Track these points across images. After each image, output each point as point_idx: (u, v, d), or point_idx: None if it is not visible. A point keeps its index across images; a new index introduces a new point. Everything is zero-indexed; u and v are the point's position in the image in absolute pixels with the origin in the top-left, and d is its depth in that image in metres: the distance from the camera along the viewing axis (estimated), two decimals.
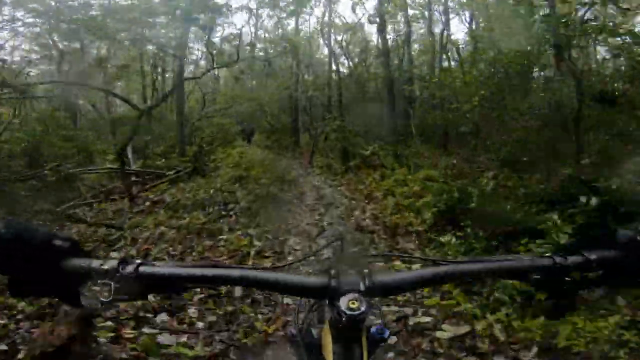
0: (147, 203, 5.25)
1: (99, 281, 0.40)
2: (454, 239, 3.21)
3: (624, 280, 0.50)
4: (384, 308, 2.05)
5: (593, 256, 0.46)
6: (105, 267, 0.41)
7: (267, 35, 15.84)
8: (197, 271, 0.44)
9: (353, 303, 0.40)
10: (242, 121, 13.22)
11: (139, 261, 0.43)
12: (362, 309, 0.40)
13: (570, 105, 4.90)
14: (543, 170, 4.66)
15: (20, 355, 1.53)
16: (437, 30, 12.07)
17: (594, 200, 2.70)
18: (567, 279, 0.46)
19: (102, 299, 0.40)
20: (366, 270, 0.44)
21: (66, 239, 0.43)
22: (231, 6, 10.17)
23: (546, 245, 2.39)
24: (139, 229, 4.05)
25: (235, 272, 0.45)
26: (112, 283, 0.40)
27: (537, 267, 0.47)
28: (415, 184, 5.43)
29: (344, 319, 0.40)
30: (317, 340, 0.51)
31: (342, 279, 0.43)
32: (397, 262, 2.48)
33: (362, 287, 0.41)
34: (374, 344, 0.52)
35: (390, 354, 1.81)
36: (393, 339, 1.25)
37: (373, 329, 0.53)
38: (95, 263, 0.42)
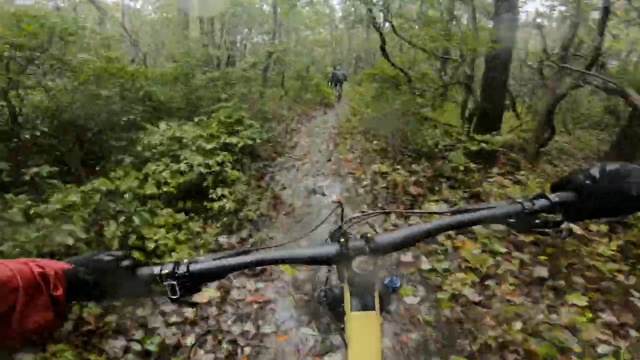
0: None
1: (164, 283, 0.51)
2: None
3: (579, 216, 0.57)
4: None
5: (555, 199, 0.56)
6: (165, 271, 0.52)
7: None
8: (233, 260, 0.55)
9: (363, 264, 0.50)
10: None
11: (187, 261, 0.54)
12: (371, 267, 0.50)
13: None
14: None
15: None
16: None
17: None
18: (536, 220, 0.55)
19: (171, 297, 0.52)
20: (369, 234, 0.54)
21: (127, 257, 0.54)
22: None
23: None
24: None
25: (264, 255, 0.55)
26: (174, 283, 0.51)
27: (511, 213, 0.56)
28: None
29: (356, 278, 0.51)
30: (340, 296, 0.60)
31: (350, 244, 0.53)
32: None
33: (367, 250, 0.52)
34: (387, 293, 0.60)
35: None
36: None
37: (386, 280, 0.60)
38: (156, 269, 0.53)
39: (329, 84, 13.54)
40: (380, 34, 8.29)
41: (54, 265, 0.50)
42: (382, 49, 8.24)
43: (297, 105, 10.62)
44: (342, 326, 0.59)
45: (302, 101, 11.53)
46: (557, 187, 0.59)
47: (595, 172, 0.54)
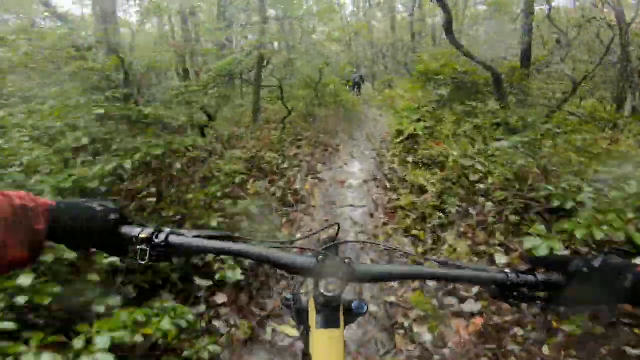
0: None
1: (137, 247, 0.52)
2: None
3: (565, 303, 0.58)
4: None
5: (542, 278, 0.55)
6: (144, 235, 0.52)
7: None
8: (212, 243, 0.54)
9: (331, 286, 0.50)
10: None
11: (169, 230, 0.54)
12: (337, 292, 0.50)
13: None
14: None
15: None
16: None
17: None
18: (515, 293, 0.54)
19: (139, 260, 0.52)
20: (347, 260, 0.53)
21: (117, 211, 0.54)
22: None
23: None
24: None
25: (241, 247, 0.55)
26: (147, 249, 0.52)
27: (494, 280, 0.55)
28: None
29: (322, 298, 0.51)
30: (305, 307, 0.59)
31: (327, 263, 0.53)
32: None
33: (340, 274, 0.51)
34: (352, 316, 0.58)
35: None
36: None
37: (354, 304, 0.58)
38: (136, 231, 0.53)
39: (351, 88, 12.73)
40: (445, 6, 4.75)
41: (38, 201, 0.49)
42: (449, 30, 4.72)
43: (307, 130, 7.12)
44: (306, 336, 0.57)
45: (315, 121, 8.04)
46: (545, 262, 0.59)
47: (597, 262, 0.53)
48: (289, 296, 0.63)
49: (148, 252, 0.52)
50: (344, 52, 22.26)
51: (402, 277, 0.58)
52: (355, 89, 14.30)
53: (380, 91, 13.67)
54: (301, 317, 0.60)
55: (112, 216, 0.53)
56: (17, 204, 0.45)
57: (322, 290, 0.51)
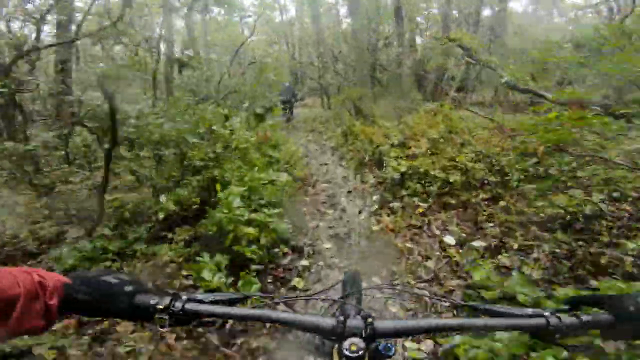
0: None
1: (156, 316, 0.55)
2: None
3: (615, 337, 0.56)
4: None
5: (587, 319, 0.53)
6: (160, 306, 0.56)
7: None
8: (228, 310, 0.57)
9: (354, 346, 0.50)
10: None
11: (185, 298, 0.58)
12: (361, 352, 0.50)
13: None
14: None
15: None
16: None
17: None
18: (557, 336, 0.52)
19: (159, 327, 0.55)
20: (369, 319, 0.54)
21: (134, 282, 0.58)
22: None
23: None
24: None
25: (261, 312, 0.56)
26: (165, 317, 0.55)
27: (532, 327, 0.53)
28: None
29: (344, 358, 0.50)
30: (329, 352, 0.58)
31: (348, 323, 0.53)
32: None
33: (363, 334, 0.52)
34: (380, 358, 0.57)
35: None
36: None
37: (381, 346, 0.56)
38: (153, 300, 0.57)
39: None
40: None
41: (54, 278, 0.54)
42: None
43: None
44: None
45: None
46: (586, 302, 0.57)
47: None
48: (314, 342, 0.63)
49: (167, 320, 0.55)
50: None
51: (428, 331, 0.56)
52: (287, 111, 11.58)
53: (338, 119, 10.26)
54: None
55: (127, 288, 0.57)
56: (36, 280, 0.51)
57: (345, 352, 0.50)
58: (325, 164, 6.72)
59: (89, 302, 0.55)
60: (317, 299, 0.64)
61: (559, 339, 0.53)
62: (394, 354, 0.56)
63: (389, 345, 0.56)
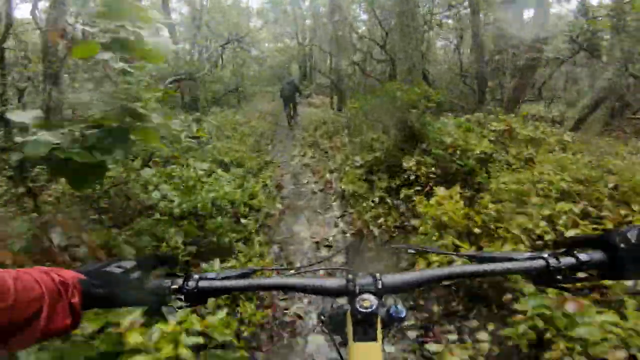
0: None
1: (172, 296, 0.56)
2: None
3: (611, 276, 0.55)
4: None
5: (584, 258, 0.54)
6: (175, 286, 0.56)
7: None
8: (240, 282, 0.57)
9: (367, 302, 0.51)
10: None
11: (197, 276, 0.57)
12: (374, 306, 0.51)
13: None
14: None
15: None
16: None
17: None
18: (558, 277, 0.53)
19: (177, 308, 0.56)
20: (378, 274, 0.55)
21: (140, 267, 0.57)
22: None
23: None
24: None
25: (272, 280, 0.58)
26: (182, 297, 0.55)
27: (534, 269, 0.54)
28: None
29: (358, 315, 0.51)
30: (343, 323, 0.58)
31: (358, 281, 0.54)
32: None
33: (373, 289, 0.53)
34: (391, 322, 0.59)
35: None
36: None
37: (392, 309, 0.59)
38: (166, 282, 0.57)
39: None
40: None
41: (70, 275, 0.53)
42: None
43: None
44: (344, 353, 0.57)
45: None
46: (582, 241, 0.58)
47: (633, 235, 0.53)
48: (325, 317, 0.62)
49: (182, 300, 0.55)
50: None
51: (435, 281, 0.57)
52: (288, 109, 9.68)
53: (356, 135, 6.24)
54: (338, 330, 0.59)
55: (134, 274, 0.56)
56: (57, 279, 0.50)
57: (358, 307, 0.51)
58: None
59: (105, 295, 0.53)
60: (325, 269, 0.53)
61: (561, 282, 0.54)
62: (405, 317, 0.59)
63: (400, 308, 0.58)
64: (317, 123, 9.51)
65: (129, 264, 0.56)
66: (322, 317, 0.62)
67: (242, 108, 13.18)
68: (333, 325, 0.60)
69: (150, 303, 0.58)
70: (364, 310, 0.51)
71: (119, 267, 0.55)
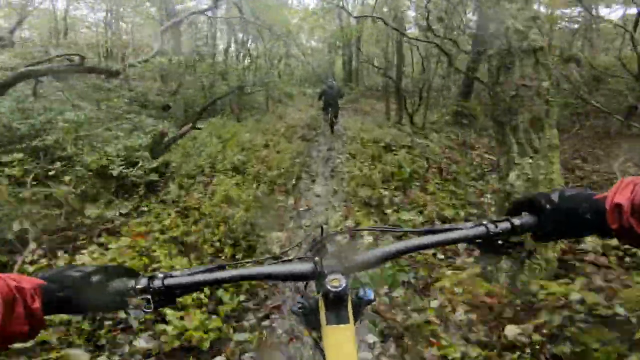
0: None
1: (138, 297, 0.53)
2: None
3: (541, 238, 0.59)
4: None
5: (517, 222, 0.57)
6: (140, 285, 0.53)
7: None
8: (209, 276, 0.56)
9: (335, 281, 0.52)
10: None
11: (162, 275, 0.55)
12: (343, 284, 0.51)
13: None
14: None
15: None
16: None
17: None
18: (499, 242, 0.57)
19: (144, 310, 0.53)
20: (343, 254, 0.57)
21: (101, 271, 0.55)
22: None
23: None
24: None
25: (239, 272, 0.57)
26: (149, 297, 0.53)
27: (477, 235, 0.57)
28: None
29: (330, 294, 0.51)
30: (316, 308, 0.59)
31: (325, 263, 0.54)
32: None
33: (341, 269, 0.53)
34: (361, 305, 0.60)
35: None
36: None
37: (361, 292, 0.60)
38: (130, 283, 0.54)
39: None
40: None
41: (28, 280, 0.51)
42: None
43: None
44: (319, 337, 0.58)
45: None
46: (518, 206, 0.60)
47: (555, 196, 0.55)
48: (297, 304, 0.62)
49: (150, 300, 0.53)
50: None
51: (396, 255, 0.60)
52: (329, 115, 8.41)
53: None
54: (311, 318, 0.60)
55: (95, 278, 0.54)
56: (12, 285, 0.48)
57: (328, 287, 0.51)
58: None
59: (66, 300, 0.52)
60: (290, 259, 0.60)
61: (501, 247, 0.57)
62: (373, 300, 0.61)
63: (367, 290, 0.60)
64: (371, 145, 6.29)
65: (88, 269, 0.55)
66: (295, 308, 0.62)
67: (263, 117, 10.30)
68: (306, 314, 0.60)
69: (114, 306, 0.55)
70: (335, 289, 0.51)
71: (78, 271, 0.54)
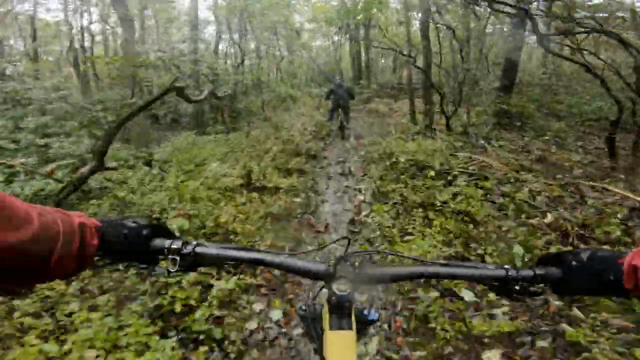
0: None
1: (168, 256, 0.58)
2: None
3: (562, 291, 0.58)
4: None
5: (539, 272, 0.57)
6: (174, 246, 0.58)
7: None
8: (235, 253, 0.60)
9: (343, 286, 0.54)
10: None
11: (195, 242, 0.59)
12: (349, 291, 0.53)
13: None
14: None
15: None
16: None
17: None
18: (516, 287, 0.56)
19: (169, 269, 0.57)
20: (357, 263, 0.59)
21: (152, 226, 0.60)
22: None
23: None
24: None
25: (261, 256, 0.60)
26: (177, 258, 0.57)
27: (495, 276, 0.57)
28: None
29: (334, 297, 0.54)
30: (320, 314, 0.62)
31: (339, 267, 0.56)
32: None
33: (351, 276, 0.55)
34: (365, 323, 0.63)
35: None
36: None
37: (366, 311, 0.63)
38: (167, 243, 0.59)
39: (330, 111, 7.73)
40: None
41: (91, 220, 0.54)
42: None
43: None
44: (320, 344, 0.59)
45: None
46: (544, 261, 0.61)
47: (585, 255, 0.56)
48: (303, 306, 0.64)
49: (177, 262, 0.57)
50: None
51: (408, 277, 0.61)
52: (336, 117, 7.53)
53: None
54: (315, 323, 0.62)
55: (144, 231, 0.58)
56: (76, 222, 0.51)
57: (335, 290, 0.53)
58: None
59: (115, 245, 0.56)
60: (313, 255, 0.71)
61: (517, 292, 0.56)
62: (378, 320, 0.63)
63: (372, 311, 0.63)
64: (408, 168, 4.15)
65: (142, 221, 0.59)
66: (300, 310, 0.64)
67: (259, 125, 8.26)
68: (310, 317, 0.62)
69: (148, 260, 0.60)
70: (340, 293, 0.53)
71: (135, 222, 0.58)
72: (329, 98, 7.73)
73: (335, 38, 20.77)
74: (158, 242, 0.59)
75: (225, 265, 1.86)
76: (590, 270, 0.54)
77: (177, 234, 3.48)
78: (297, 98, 11.79)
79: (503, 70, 8.92)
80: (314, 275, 0.58)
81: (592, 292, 0.57)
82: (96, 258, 0.54)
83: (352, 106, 8.28)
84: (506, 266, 0.58)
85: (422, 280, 2.15)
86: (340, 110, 7.37)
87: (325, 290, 0.57)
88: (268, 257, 0.59)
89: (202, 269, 1.90)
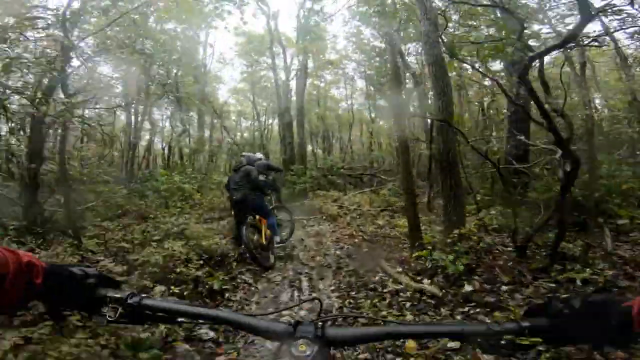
0: None
1: (110, 305, 0.55)
2: None
3: (554, 342, 0.55)
4: None
5: (525, 324, 0.53)
6: (117, 295, 0.56)
7: None
8: (187, 309, 0.56)
9: (303, 346, 0.51)
10: None
11: (144, 295, 0.56)
12: (309, 353, 0.50)
13: None
14: None
15: None
16: None
17: None
18: (502, 342, 0.52)
19: (109, 318, 0.55)
20: (320, 324, 0.54)
21: (99, 276, 0.59)
22: None
23: None
24: None
25: (217, 313, 0.57)
26: (118, 307, 0.55)
27: (476, 333, 0.54)
28: None
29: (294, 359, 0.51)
30: None
31: (300, 328, 0.53)
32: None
33: (312, 337, 0.52)
34: None
35: None
36: None
37: None
38: (112, 292, 0.57)
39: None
40: None
41: (38, 261, 0.55)
42: None
43: None
44: None
45: None
46: (530, 312, 0.58)
47: (576, 302, 0.53)
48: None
49: (119, 311, 0.55)
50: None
51: (379, 338, 0.57)
52: (243, 231, 4.17)
53: None
54: None
55: (90, 280, 0.57)
56: (24, 260, 0.53)
57: (293, 351, 0.50)
58: None
59: (58, 289, 0.55)
60: (272, 317, 0.56)
61: (504, 347, 0.53)
62: None
63: None
64: None
65: (90, 271, 0.57)
66: None
67: None
68: None
69: (89, 309, 0.57)
70: (299, 355, 0.49)
71: (81, 270, 0.57)
72: (230, 196, 4.82)
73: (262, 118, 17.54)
74: (102, 291, 0.57)
75: (179, 322, 1.39)
76: (587, 317, 0.51)
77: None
78: (192, 194, 6.90)
79: (509, 131, 5.47)
80: (275, 336, 0.54)
81: (593, 340, 0.53)
82: (38, 300, 0.55)
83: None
84: (488, 321, 0.57)
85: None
86: (247, 214, 4.44)
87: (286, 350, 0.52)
88: (227, 316, 0.56)
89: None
